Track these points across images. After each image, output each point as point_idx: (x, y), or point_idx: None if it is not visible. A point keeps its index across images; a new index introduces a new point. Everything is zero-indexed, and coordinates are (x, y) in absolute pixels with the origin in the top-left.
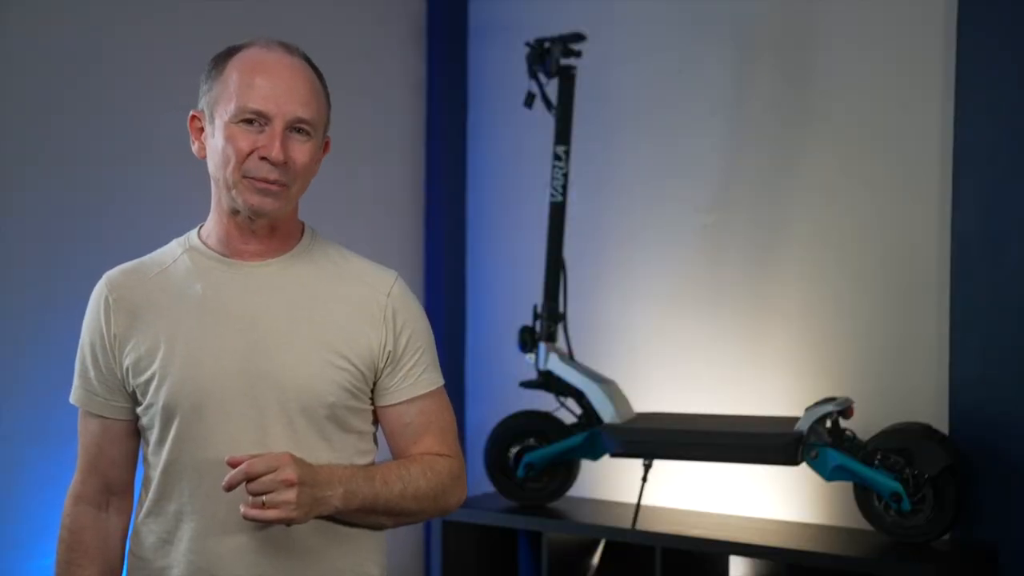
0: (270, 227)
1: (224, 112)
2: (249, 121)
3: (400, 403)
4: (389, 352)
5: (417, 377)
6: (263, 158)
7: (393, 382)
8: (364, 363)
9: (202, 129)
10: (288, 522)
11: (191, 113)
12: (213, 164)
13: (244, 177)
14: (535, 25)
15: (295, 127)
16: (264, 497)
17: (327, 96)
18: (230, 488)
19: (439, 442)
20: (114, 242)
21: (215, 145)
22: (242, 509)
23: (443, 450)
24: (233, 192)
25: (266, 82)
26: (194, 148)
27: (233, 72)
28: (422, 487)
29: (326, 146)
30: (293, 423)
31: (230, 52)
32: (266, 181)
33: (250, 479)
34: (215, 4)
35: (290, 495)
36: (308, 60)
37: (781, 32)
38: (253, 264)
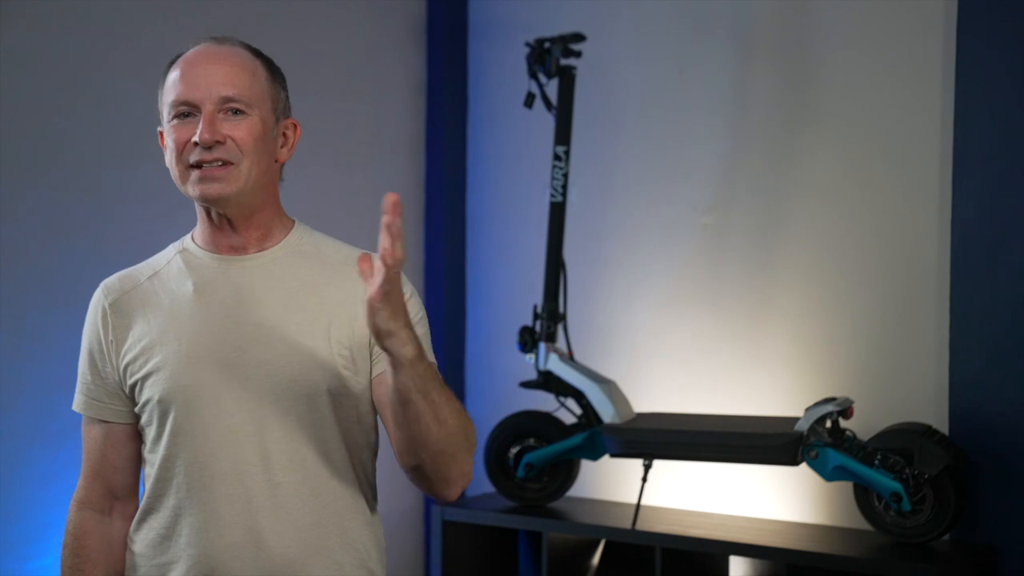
0: (244, 217)
1: (166, 115)
2: (183, 115)
3: None
4: None
5: None
6: (195, 143)
7: None
8: (357, 345)
9: None
10: (394, 270)
11: (159, 130)
12: (168, 166)
13: (187, 168)
14: (535, 25)
15: (227, 108)
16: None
17: (271, 75)
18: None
19: None
20: (114, 243)
21: (167, 147)
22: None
23: None
24: (185, 187)
25: (191, 73)
26: (166, 161)
27: (169, 77)
28: (458, 410)
29: (295, 129)
30: (291, 412)
31: (169, 62)
32: (201, 165)
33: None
34: (216, 5)
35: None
36: (248, 47)
37: (782, 34)
38: (243, 258)
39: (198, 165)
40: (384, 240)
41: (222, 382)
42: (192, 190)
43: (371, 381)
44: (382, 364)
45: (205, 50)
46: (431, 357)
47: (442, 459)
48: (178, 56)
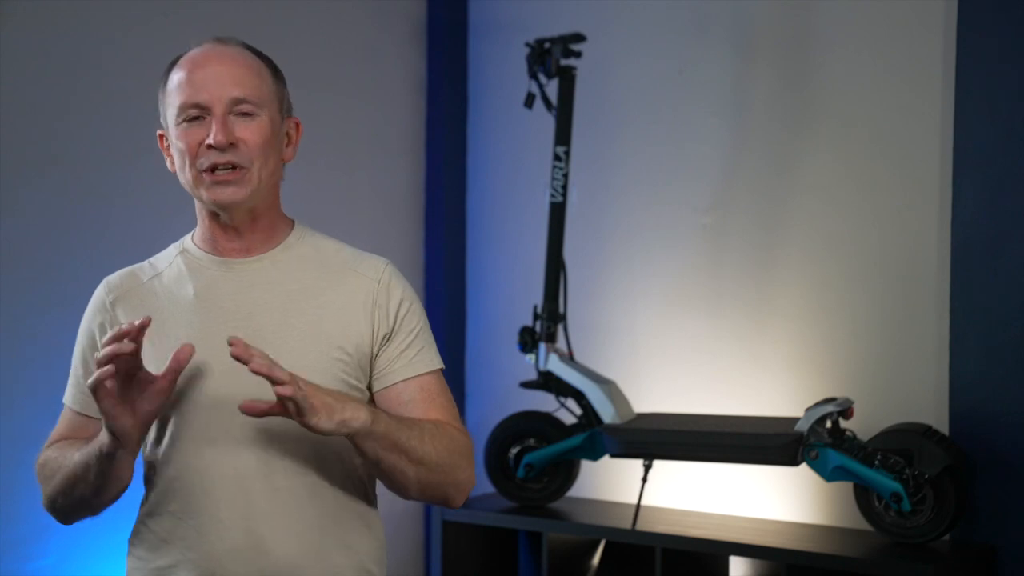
0: (251, 220)
1: (173, 118)
2: (193, 118)
3: (397, 383)
4: (384, 335)
5: (412, 358)
6: (209, 146)
7: (389, 363)
8: (359, 351)
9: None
10: (306, 412)
11: (158, 132)
12: (178, 170)
13: (200, 172)
14: (535, 25)
15: (237, 110)
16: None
17: (274, 75)
18: (235, 345)
19: (446, 417)
20: (114, 243)
21: (175, 151)
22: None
23: (451, 423)
24: (199, 191)
25: (199, 74)
26: (168, 165)
27: (172, 79)
28: (439, 437)
29: (298, 128)
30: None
31: (170, 64)
32: (216, 169)
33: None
34: (216, 4)
35: (306, 388)
36: (249, 47)
37: (781, 34)
38: (244, 260)
39: (211, 169)
40: (275, 387)
41: (222, 388)
42: (206, 195)
43: (374, 391)
44: (390, 377)
45: (210, 51)
46: (438, 363)
47: (431, 490)
48: (179, 57)
